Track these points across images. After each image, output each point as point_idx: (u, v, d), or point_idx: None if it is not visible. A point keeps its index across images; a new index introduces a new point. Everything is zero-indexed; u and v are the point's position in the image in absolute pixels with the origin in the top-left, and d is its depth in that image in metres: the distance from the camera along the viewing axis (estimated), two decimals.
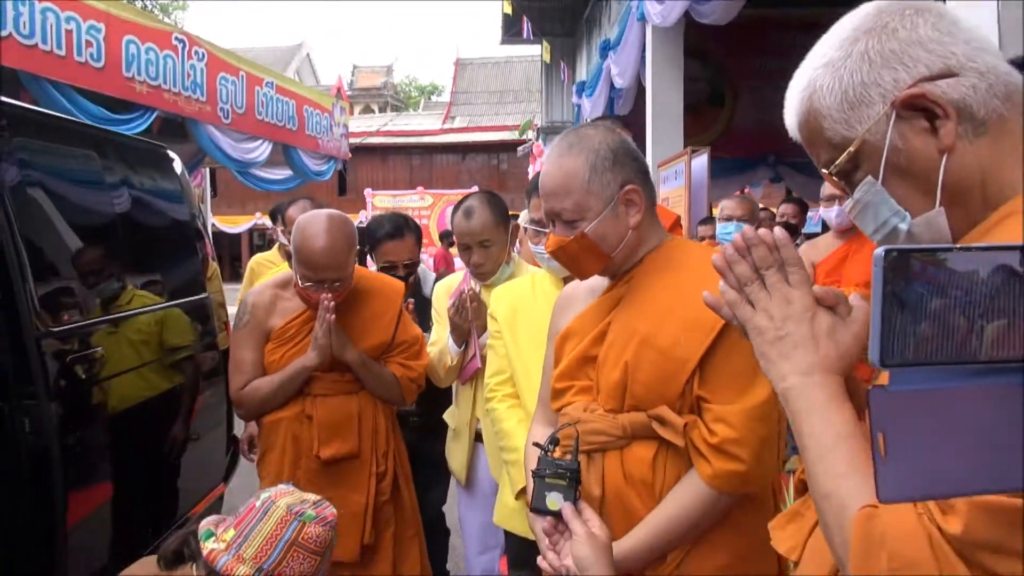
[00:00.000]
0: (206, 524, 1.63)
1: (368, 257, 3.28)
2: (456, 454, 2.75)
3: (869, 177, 0.88)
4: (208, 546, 1.56)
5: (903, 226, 0.86)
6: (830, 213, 3.46)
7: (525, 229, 2.45)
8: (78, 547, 2.45)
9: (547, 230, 1.58)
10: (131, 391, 2.90)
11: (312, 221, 2.28)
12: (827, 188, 3.48)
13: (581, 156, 1.45)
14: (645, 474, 1.41)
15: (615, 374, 1.43)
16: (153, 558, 1.68)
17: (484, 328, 2.56)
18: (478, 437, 2.68)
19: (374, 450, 2.44)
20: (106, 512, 2.73)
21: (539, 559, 1.48)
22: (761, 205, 5.22)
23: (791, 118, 0.94)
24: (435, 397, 2.82)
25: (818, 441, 0.82)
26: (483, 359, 2.54)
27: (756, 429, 1.37)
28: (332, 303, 2.28)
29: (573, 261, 1.51)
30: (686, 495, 1.39)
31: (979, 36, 0.85)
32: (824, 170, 0.93)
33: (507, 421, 2.18)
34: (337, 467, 2.38)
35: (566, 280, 1.99)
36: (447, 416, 2.83)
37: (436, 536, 3.05)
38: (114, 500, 2.76)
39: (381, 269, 2.95)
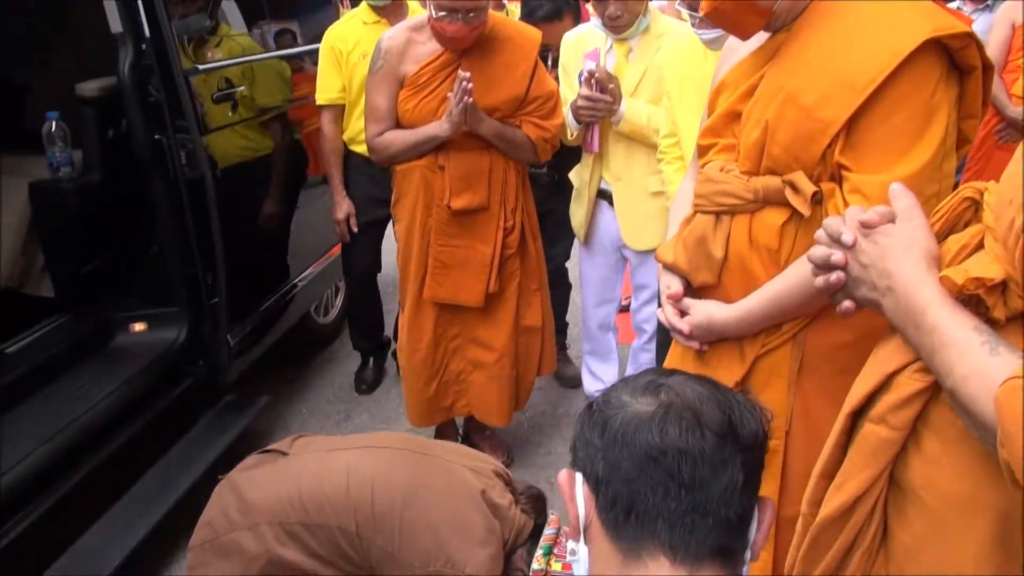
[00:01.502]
0: (548, 538, 1.70)
1: None
2: (577, 213, 2.77)
3: None
4: (540, 561, 1.67)
5: None
6: None
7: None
8: (232, 271, 2.73)
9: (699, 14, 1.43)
10: (268, 133, 3.03)
11: None
12: None
13: None
14: (771, 241, 1.35)
15: (755, 133, 1.33)
16: (505, 483, 1.79)
17: (618, 99, 2.45)
18: (600, 195, 2.68)
19: (503, 204, 2.47)
20: (254, 244, 2.99)
21: (657, 311, 1.53)
22: None
23: None
24: (564, 155, 2.79)
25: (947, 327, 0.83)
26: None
27: None
28: (470, 83, 2.20)
29: (730, 20, 1.36)
30: (806, 268, 1.33)
31: None
32: None
33: (675, 184, 2.19)
34: (467, 218, 2.44)
35: None
36: (572, 175, 2.82)
37: (558, 289, 3.18)
38: (259, 235, 3.01)
39: None
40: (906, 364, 0.92)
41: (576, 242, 2.97)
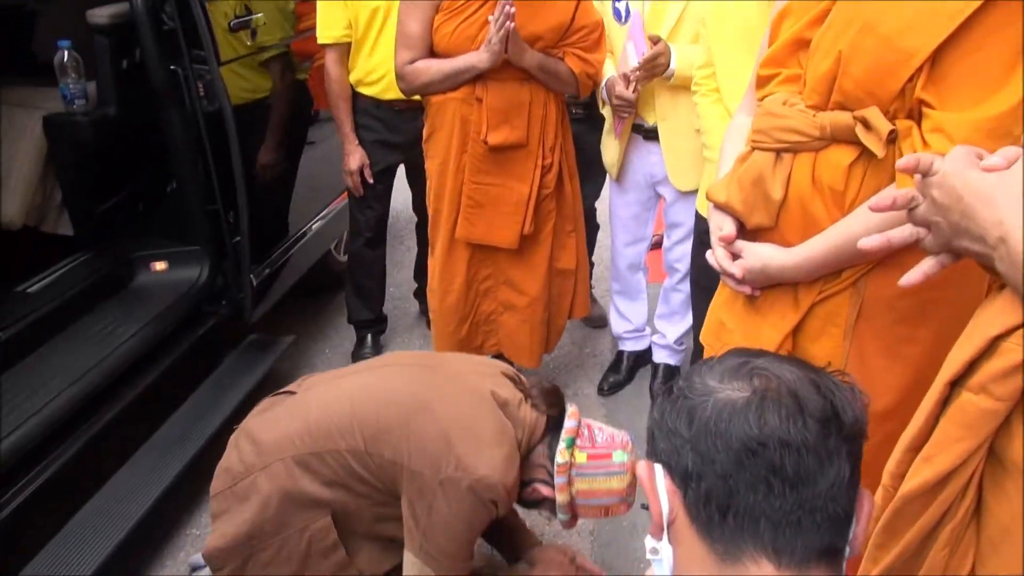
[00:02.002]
0: (570, 430, 1.67)
1: None
2: (610, 148, 2.66)
3: None
4: (564, 455, 1.65)
5: None
6: None
7: None
8: (254, 209, 2.65)
9: None
10: (286, 65, 2.89)
11: None
12: None
13: None
14: (836, 182, 1.25)
15: (825, 63, 1.22)
16: (515, 383, 1.76)
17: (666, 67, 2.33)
18: (636, 130, 2.56)
19: (542, 141, 2.37)
20: (274, 181, 2.90)
21: (707, 253, 1.44)
22: None
23: None
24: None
25: None
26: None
27: (983, 145, 1.15)
28: (513, 8, 2.07)
29: None
30: (875, 213, 1.23)
31: None
32: None
33: (709, 118, 2.09)
34: (503, 155, 2.34)
35: None
36: (605, 110, 2.69)
37: (588, 230, 3.08)
38: (278, 172, 2.91)
39: None
40: (1014, 327, 0.83)
41: (607, 180, 2.86)
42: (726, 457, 0.70)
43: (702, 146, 2.17)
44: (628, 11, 2.41)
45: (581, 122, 2.83)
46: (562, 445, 1.65)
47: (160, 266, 2.72)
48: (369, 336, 3.19)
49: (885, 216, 1.17)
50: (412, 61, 2.30)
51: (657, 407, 0.78)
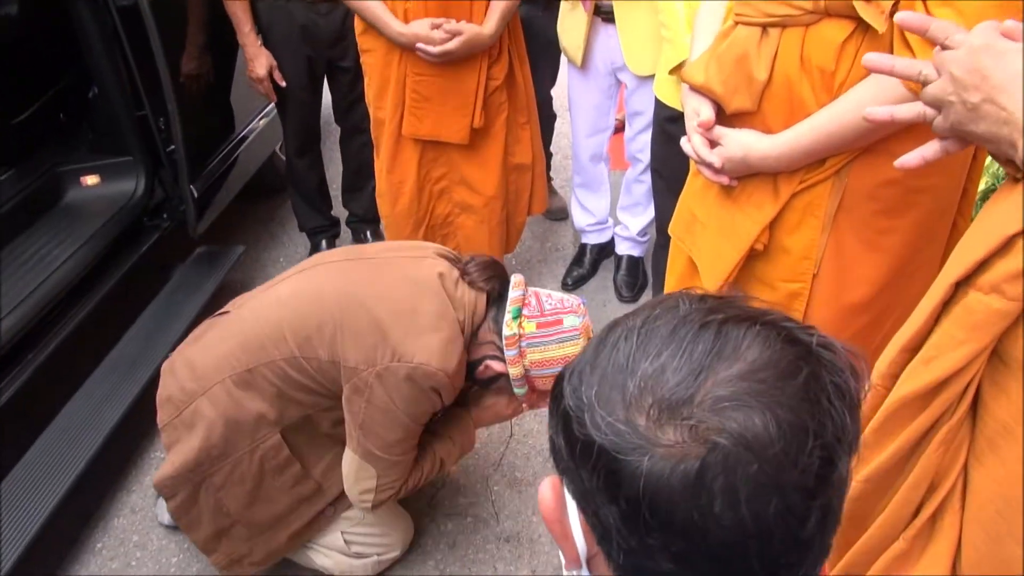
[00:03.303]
0: (516, 300, 1.58)
1: None
2: (571, 31, 2.49)
3: None
4: (512, 327, 1.56)
5: None
6: None
7: None
8: (186, 113, 2.45)
9: None
10: None
11: None
12: None
13: None
14: (826, 61, 1.15)
15: None
16: (453, 262, 1.66)
17: None
18: (596, 11, 2.39)
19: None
20: (205, 81, 2.68)
21: (682, 141, 1.35)
22: None
23: None
24: None
25: None
26: None
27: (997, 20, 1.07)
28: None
29: None
30: (868, 96, 1.12)
31: None
32: None
33: None
34: None
35: None
36: None
37: (543, 119, 2.93)
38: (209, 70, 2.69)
39: None
40: None
41: (565, 66, 2.70)
42: (668, 551, 0.50)
43: (660, 24, 2.03)
44: None
45: (532, 2, 2.63)
46: (508, 316, 1.56)
47: (91, 180, 2.54)
48: (324, 242, 3.04)
49: (881, 98, 1.09)
50: None
51: (554, 428, 0.56)
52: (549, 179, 3.26)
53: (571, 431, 0.53)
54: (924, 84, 0.83)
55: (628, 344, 0.53)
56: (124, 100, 2.38)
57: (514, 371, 1.57)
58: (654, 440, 0.49)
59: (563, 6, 2.50)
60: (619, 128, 2.97)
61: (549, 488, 0.58)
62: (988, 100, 0.76)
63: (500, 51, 2.26)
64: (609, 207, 2.93)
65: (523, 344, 1.56)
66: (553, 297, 1.61)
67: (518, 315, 1.57)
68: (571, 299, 1.62)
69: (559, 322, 1.56)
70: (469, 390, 1.81)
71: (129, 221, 2.47)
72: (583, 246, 3.00)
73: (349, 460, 1.62)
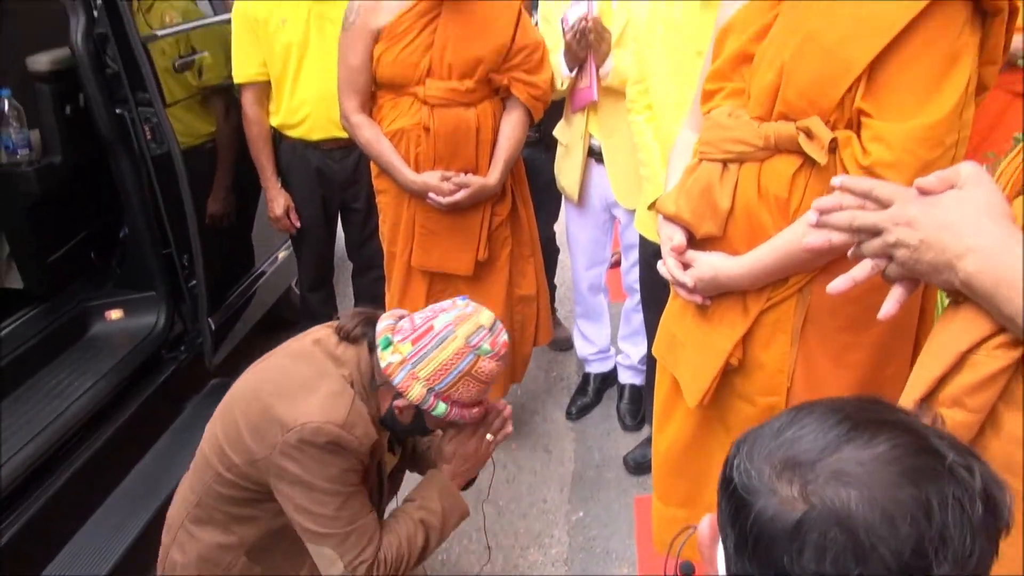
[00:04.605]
0: (384, 331, 1.56)
1: None
2: (567, 171, 2.67)
3: None
4: (387, 357, 1.53)
5: None
6: None
7: None
8: (208, 251, 2.62)
9: None
10: (230, 102, 2.83)
11: None
12: None
13: None
14: (781, 191, 1.28)
15: (768, 76, 1.25)
16: (331, 327, 1.68)
17: (605, 57, 2.35)
18: (590, 153, 2.58)
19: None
20: (226, 217, 2.86)
21: (659, 264, 1.45)
22: None
23: None
24: (549, 111, 2.68)
25: None
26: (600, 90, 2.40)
27: (918, 153, 1.18)
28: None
29: None
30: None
31: None
32: None
33: (643, 135, 2.12)
34: None
35: None
36: (557, 132, 2.72)
37: (547, 254, 3.09)
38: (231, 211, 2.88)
39: None
40: (982, 340, 0.84)
41: (564, 203, 2.88)
42: None
43: (639, 163, 2.20)
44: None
45: (533, 145, 2.84)
46: (379, 350, 1.54)
47: (115, 314, 2.67)
48: None
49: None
50: (359, 107, 2.32)
51: (721, 478, 0.69)
52: (554, 311, 3.37)
53: (725, 470, 0.67)
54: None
55: (787, 417, 0.66)
56: (152, 240, 2.55)
57: (413, 394, 1.51)
58: (772, 488, 0.61)
59: (559, 149, 2.70)
60: (616, 262, 3.11)
61: (707, 522, 0.72)
62: (926, 240, 0.84)
63: (504, 191, 2.42)
64: (610, 336, 3.02)
65: (409, 366, 1.51)
66: (428, 309, 1.59)
67: (388, 344, 1.54)
68: (446, 302, 1.61)
69: (430, 328, 1.52)
70: (415, 444, 1.84)
71: (148, 353, 2.58)
72: (586, 375, 3.06)
73: (312, 553, 1.58)
